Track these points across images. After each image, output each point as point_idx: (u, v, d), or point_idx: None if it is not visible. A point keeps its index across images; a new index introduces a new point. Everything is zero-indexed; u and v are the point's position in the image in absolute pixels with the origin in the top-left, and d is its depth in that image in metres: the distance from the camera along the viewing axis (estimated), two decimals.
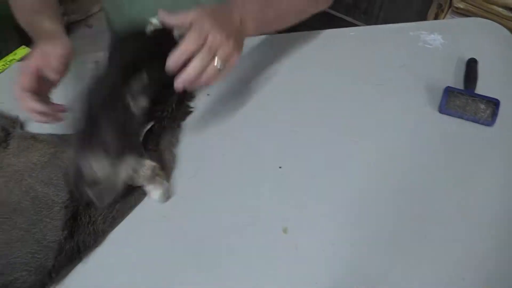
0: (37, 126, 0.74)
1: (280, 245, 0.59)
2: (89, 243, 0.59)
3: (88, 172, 0.56)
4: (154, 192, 0.62)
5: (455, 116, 0.73)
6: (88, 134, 0.56)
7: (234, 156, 0.69)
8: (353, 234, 0.59)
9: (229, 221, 0.61)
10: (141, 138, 0.66)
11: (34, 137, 0.70)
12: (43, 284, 0.55)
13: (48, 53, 0.61)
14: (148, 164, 0.61)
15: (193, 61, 0.53)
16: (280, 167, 0.67)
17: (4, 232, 0.59)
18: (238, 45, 0.57)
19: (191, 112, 0.75)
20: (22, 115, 0.76)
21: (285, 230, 0.60)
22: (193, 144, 0.71)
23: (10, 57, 0.91)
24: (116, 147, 0.57)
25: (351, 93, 0.78)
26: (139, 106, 0.61)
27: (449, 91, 0.73)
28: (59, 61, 0.61)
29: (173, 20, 0.58)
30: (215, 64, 0.54)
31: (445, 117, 0.73)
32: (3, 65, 0.89)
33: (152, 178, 0.61)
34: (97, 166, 0.56)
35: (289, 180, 0.66)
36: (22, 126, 0.74)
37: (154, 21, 0.59)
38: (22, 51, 0.93)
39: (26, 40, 0.95)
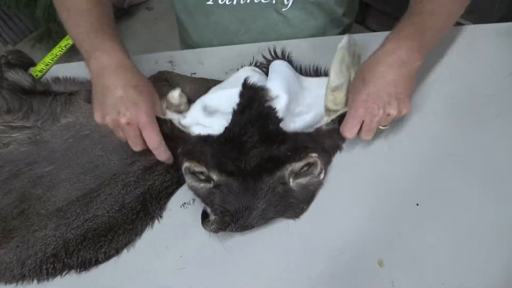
0: None
1: (374, 278, 0.51)
2: None
3: None
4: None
5: None
6: None
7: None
8: (461, 274, 0.51)
9: (320, 245, 0.55)
10: None
11: None
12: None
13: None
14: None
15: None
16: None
17: None
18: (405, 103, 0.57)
19: None
20: None
21: (380, 263, 0.53)
22: None
23: (63, 42, 0.85)
24: None
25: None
26: None
27: None
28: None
29: None
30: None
31: None
32: (59, 50, 0.83)
33: None
34: None
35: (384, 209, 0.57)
36: None
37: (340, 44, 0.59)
38: None
39: None
